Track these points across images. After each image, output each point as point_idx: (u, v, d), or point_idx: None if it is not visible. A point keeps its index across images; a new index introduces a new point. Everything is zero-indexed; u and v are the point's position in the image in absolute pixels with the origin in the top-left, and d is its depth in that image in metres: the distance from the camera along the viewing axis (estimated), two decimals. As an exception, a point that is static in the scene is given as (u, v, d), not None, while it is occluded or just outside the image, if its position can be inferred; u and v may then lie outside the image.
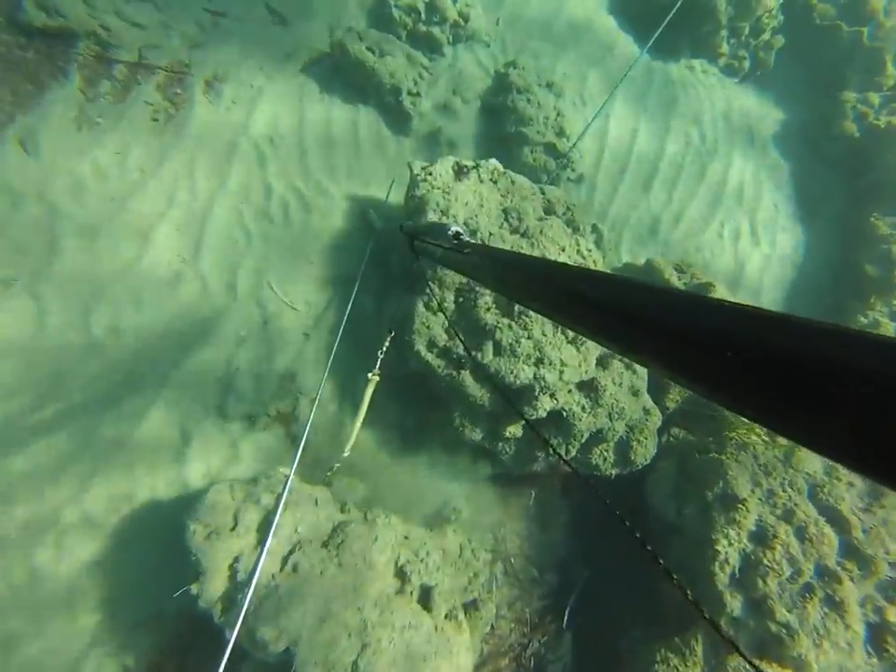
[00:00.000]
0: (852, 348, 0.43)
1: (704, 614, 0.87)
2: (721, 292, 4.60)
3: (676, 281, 4.67)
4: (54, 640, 2.59)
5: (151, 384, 3.25)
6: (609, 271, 4.38)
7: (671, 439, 4.59)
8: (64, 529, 2.80)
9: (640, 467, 3.98)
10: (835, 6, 6.80)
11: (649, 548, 0.92)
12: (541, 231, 3.61)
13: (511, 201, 3.66)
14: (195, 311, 3.51)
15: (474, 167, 3.78)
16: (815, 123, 6.49)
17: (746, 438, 3.89)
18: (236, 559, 2.59)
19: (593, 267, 3.80)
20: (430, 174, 3.66)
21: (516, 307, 3.37)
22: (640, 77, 5.94)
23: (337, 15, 4.69)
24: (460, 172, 3.82)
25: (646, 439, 3.95)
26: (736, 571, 3.19)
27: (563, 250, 3.69)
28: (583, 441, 3.76)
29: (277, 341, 3.60)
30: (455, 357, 3.44)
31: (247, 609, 2.42)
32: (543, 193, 3.89)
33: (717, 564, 3.27)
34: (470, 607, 3.37)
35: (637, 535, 0.93)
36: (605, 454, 3.90)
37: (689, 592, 0.92)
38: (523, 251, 3.48)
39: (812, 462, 3.48)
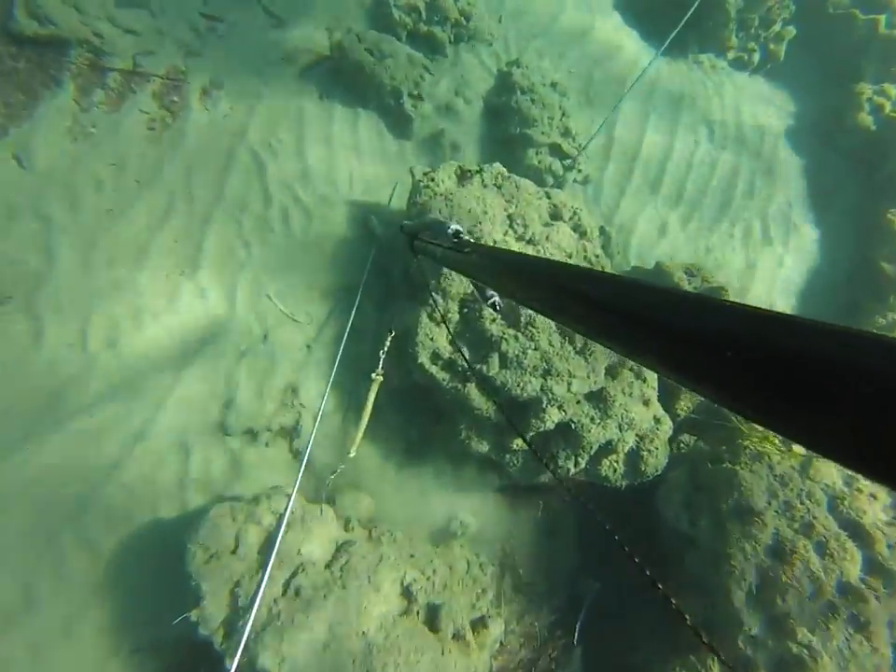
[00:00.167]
0: (853, 348, 0.42)
1: (703, 639, 0.87)
2: (732, 295, 4.47)
3: (686, 284, 4.54)
4: (49, 667, 2.53)
5: (150, 400, 3.17)
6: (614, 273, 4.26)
7: (682, 446, 4.47)
8: (62, 551, 2.74)
9: (651, 477, 3.86)
10: (849, -7, 6.58)
11: (647, 573, 0.92)
12: (547, 238, 3.49)
13: (516, 206, 3.55)
14: (194, 324, 3.43)
15: (477, 172, 3.66)
16: (828, 116, 6.29)
17: (760, 447, 3.77)
18: (237, 584, 2.52)
19: (601, 273, 3.68)
20: (433, 179, 3.56)
21: (522, 318, 3.27)
22: (647, 73, 5.76)
23: (336, 16, 4.57)
24: (463, 177, 3.71)
25: (657, 449, 3.83)
26: (753, 588, 3.08)
27: (570, 257, 3.57)
28: (592, 452, 3.65)
29: (278, 354, 3.52)
30: (459, 369, 3.34)
31: (248, 636, 2.35)
32: (549, 197, 3.77)
33: (733, 579, 3.16)
34: (478, 624, 3.29)
35: (637, 560, 0.93)
36: (615, 465, 3.79)
37: (688, 618, 0.91)
38: (529, 259, 3.37)
39: (831, 473, 3.35)
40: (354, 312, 3.64)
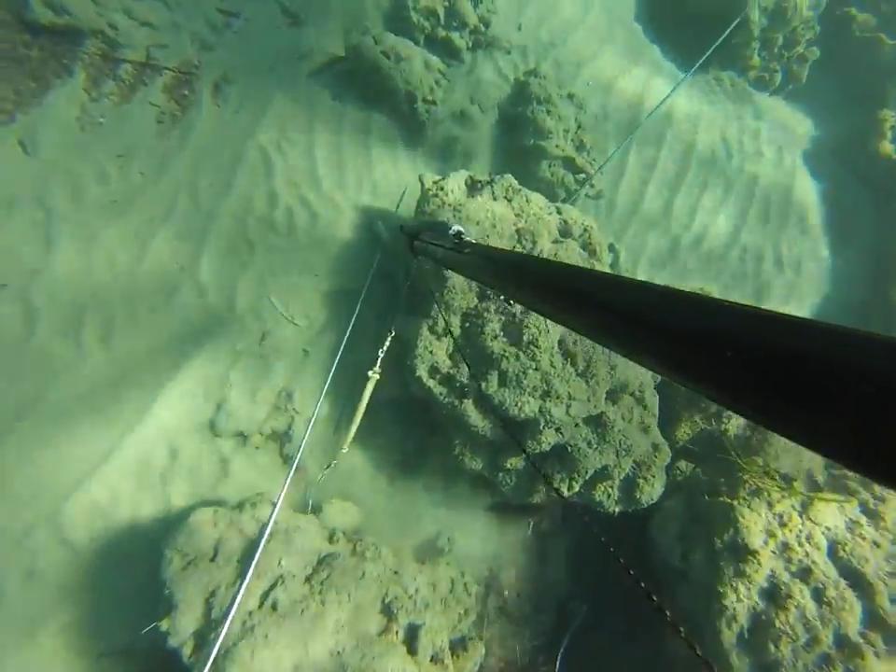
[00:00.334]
0: (853, 348, 0.42)
1: (697, 652, 0.82)
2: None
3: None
4: (6, 668, 2.46)
5: (140, 396, 3.11)
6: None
7: (678, 473, 4.35)
8: (35, 546, 2.68)
9: (646, 505, 3.75)
10: (877, 16, 6.41)
11: (654, 599, 0.89)
12: (556, 255, 3.39)
13: (526, 221, 3.45)
14: (191, 322, 3.36)
15: (488, 182, 3.56)
16: (849, 142, 6.13)
17: (760, 482, 3.64)
18: (213, 593, 2.44)
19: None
20: (442, 188, 3.46)
21: (525, 336, 3.16)
22: (665, 89, 5.64)
23: (353, 17, 4.49)
24: (473, 187, 3.61)
25: (653, 477, 3.71)
26: (745, 631, 2.95)
27: (576, 275, 3.46)
28: (587, 477, 3.54)
29: (274, 356, 3.45)
30: (457, 385, 3.24)
31: (219, 650, 2.27)
32: (559, 213, 3.67)
33: (724, 620, 3.04)
34: (458, 646, 3.19)
35: (643, 584, 0.90)
36: (609, 490, 3.67)
37: (697, 649, 0.85)
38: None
39: (833, 516, 3.22)
40: (354, 318, 3.56)
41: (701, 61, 4.17)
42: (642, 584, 0.88)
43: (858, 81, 6.41)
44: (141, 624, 2.53)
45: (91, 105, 3.47)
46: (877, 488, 3.29)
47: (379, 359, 3.31)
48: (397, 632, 2.87)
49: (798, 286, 5.40)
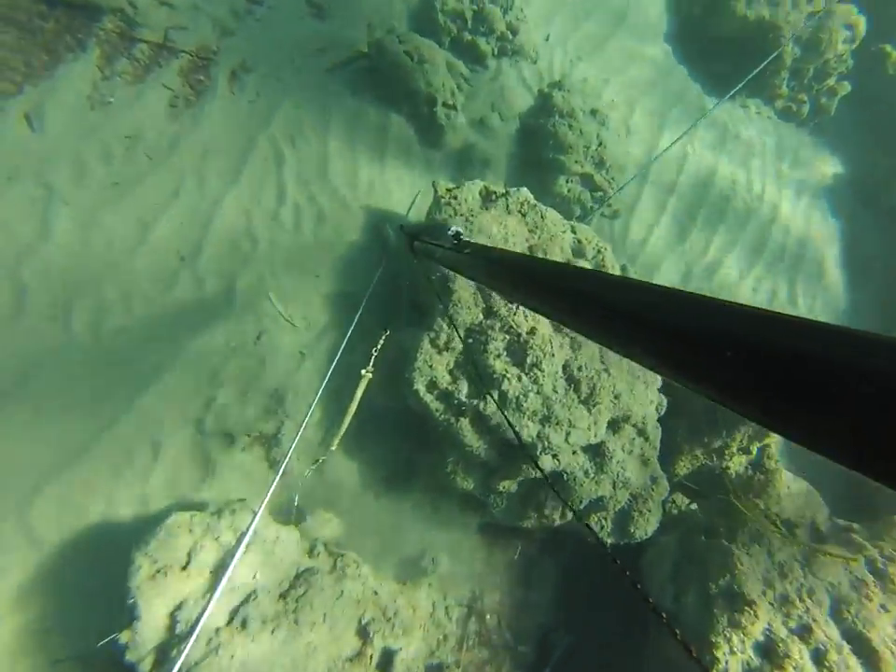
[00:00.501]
0: (853, 348, 0.42)
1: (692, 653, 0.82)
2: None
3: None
4: None
5: (126, 388, 2.97)
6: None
7: (674, 506, 4.19)
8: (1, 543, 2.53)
9: (639, 540, 3.59)
10: (911, 57, 6.24)
11: (663, 616, 0.87)
12: (566, 275, 3.23)
13: (539, 237, 3.30)
14: (186, 314, 3.22)
15: (503, 195, 3.42)
16: (874, 181, 5.96)
17: (761, 527, 3.47)
18: (179, 606, 2.29)
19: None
20: (455, 197, 3.32)
21: (528, 358, 3.01)
22: (691, 111, 5.49)
23: (379, 13, 4.36)
24: (487, 198, 3.46)
25: (649, 511, 3.56)
26: (736, 686, 2.79)
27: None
28: (582, 507, 3.38)
29: (269, 357, 3.30)
30: (455, 402, 3.09)
31: (179, 670, 2.12)
32: (574, 232, 3.51)
33: None
34: (435, 674, 3.03)
35: (664, 616, 0.87)
36: (603, 522, 3.52)
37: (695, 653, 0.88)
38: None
39: (836, 571, 3.05)
40: (354, 324, 3.41)
41: (734, 91, 4.01)
42: (649, 600, 0.86)
43: (887, 120, 6.25)
44: (105, 630, 2.38)
45: (103, 84, 3.34)
46: (886, 546, 3.13)
47: (373, 358, 3.24)
48: (371, 656, 2.72)
49: (811, 323, 5.22)
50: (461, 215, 3.21)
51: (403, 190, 4.01)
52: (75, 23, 3.34)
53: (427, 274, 2.88)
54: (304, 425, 3.12)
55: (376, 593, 2.92)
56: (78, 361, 2.89)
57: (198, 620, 2.26)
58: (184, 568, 2.41)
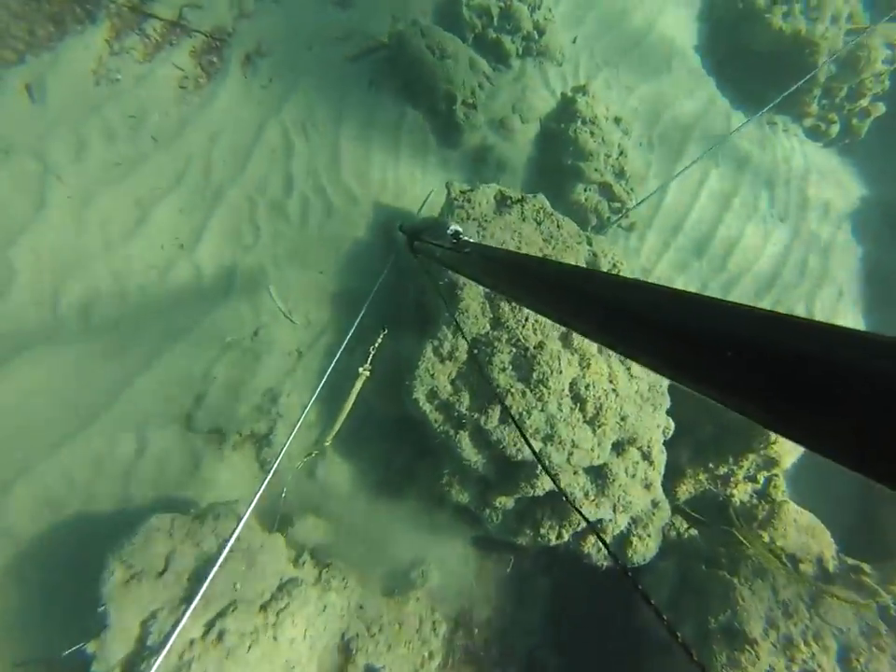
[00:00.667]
0: (855, 349, 0.41)
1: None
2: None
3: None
4: None
5: (113, 378, 2.81)
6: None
7: (674, 529, 4.01)
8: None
9: (637, 565, 3.42)
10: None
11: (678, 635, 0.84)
12: (580, 289, 3.04)
13: (553, 248, 3.11)
14: (181, 304, 3.06)
15: (519, 200, 3.23)
16: (900, 208, 5.71)
17: (765, 562, 3.29)
18: (153, 615, 2.14)
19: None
20: (469, 200, 3.13)
21: (535, 374, 2.83)
22: (718, 126, 5.26)
23: (404, 5, 4.16)
24: (502, 203, 3.27)
25: (648, 536, 3.38)
26: (731, 731, 2.62)
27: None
28: (579, 528, 3.21)
29: (266, 354, 3.14)
30: (455, 414, 2.92)
31: (149, 687, 1.96)
32: (590, 244, 3.32)
33: (708, 713, 2.70)
34: (417, 694, 2.88)
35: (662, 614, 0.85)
36: (600, 543, 3.34)
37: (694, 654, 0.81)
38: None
39: (846, 615, 2.87)
40: (356, 325, 3.24)
41: (767, 108, 3.79)
42: (651, 601, 0.83)
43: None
44: (74, 633, 2.23)
45: (110, 59, 3.17)
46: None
47: (370, 357, 3.11)
48: (351, 675, 2.57)
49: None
50: (474, 219, 3.02)
51: (416, 188, 3.82)
52: (85, -6, 3.16)
53: (434, 280, 2.70)
54: (298, 426, 2.96)
55: (361, 607, 2.77)
56: (64, 348, 2.73)
57: (172, 631, 2.10)
58: (160, 575, 2.26)
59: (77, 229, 2.91)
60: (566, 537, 3.29)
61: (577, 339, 3.05)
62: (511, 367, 2.87)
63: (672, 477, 3.84)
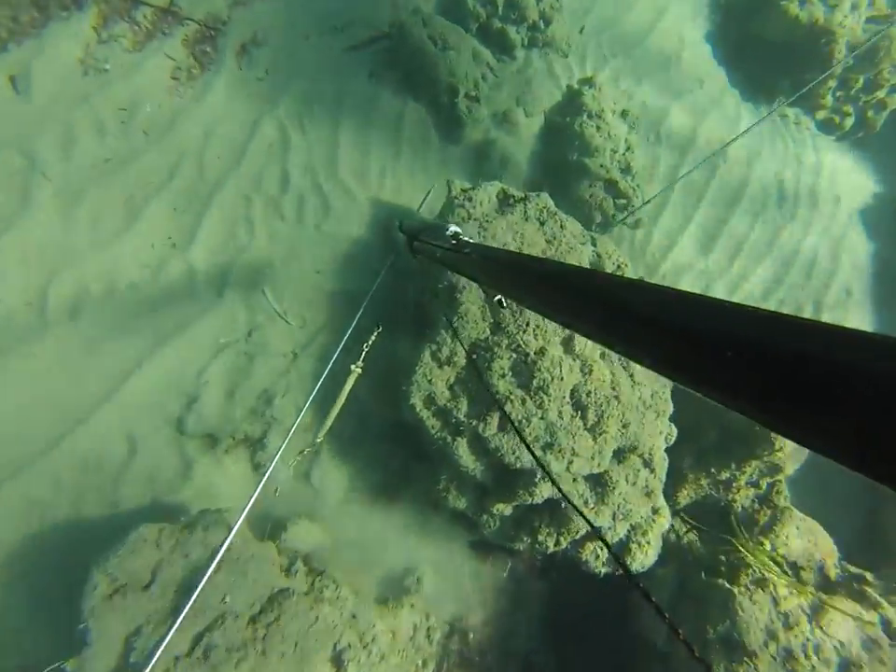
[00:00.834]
0: (857, 349, 0.41)
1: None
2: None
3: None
4: None
5: (103, 380, 2.69)
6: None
7: (673, 532, 3.88)
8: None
9: (636, 573, 3.30)
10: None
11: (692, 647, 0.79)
12: (583, 292, 2.87)
13: (556, 249, 2.93)
14: (174, 304, 2.92)
15: (522, 199, 3.04)
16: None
17: (766, 570, 3.16)
18: (137, 630, 2.04)
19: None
20: (470, 199, 2.95)
21: (535, 380, 2.68)
22: (728, 120, 5.00)
23: (404, -8, 3.91)
24: (505, 202, 3.09)
25: (648, 543, 3.26)
26: (729, 747, 2.52)
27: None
28: (577, 537, 3.09)
29: (260, 356, 3.01)
30: (453, 420, 2.78)
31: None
32: (594, 245, 3.14)
33: (706, 726, 2.60)
34: (411, 701, 2.81)
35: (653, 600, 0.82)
36: (598, 551, 3.23)
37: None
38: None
39: (847, 630, 2.75)
40: (353, 326, 3.09)
41: (783, 103, 3.55)
42: (652, 599, 0.81)
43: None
44: (61, 639, 2.14)
45: (98, 48, 2.99)
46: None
47: (363, 353, 3.00)
48: (343, 685, 2.48)
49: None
50: (475, 219, 2.85)
51: (416, 185, 3.64)
52: (71, -21, 2.97)
53: (433, 284, 2.55)
54: (293, 429, 2.83)
55: (354, 616, 2.67)
56: (52, 349, 2.61)
57: (157, 646, 2.00)
58: (146, 587, 2.16)
59: (65, 226, 2.77)
60: (564, 544, 3.18)
61: (579, 344, 2.90)
62: (510, 373, 2.73)
63: (673, 481, 3.70)
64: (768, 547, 3.37)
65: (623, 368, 3.08)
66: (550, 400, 2.70)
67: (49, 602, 2.30)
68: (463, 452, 2.82)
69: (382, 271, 3.24)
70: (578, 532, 3.06)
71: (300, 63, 3.58)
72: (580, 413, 2.83)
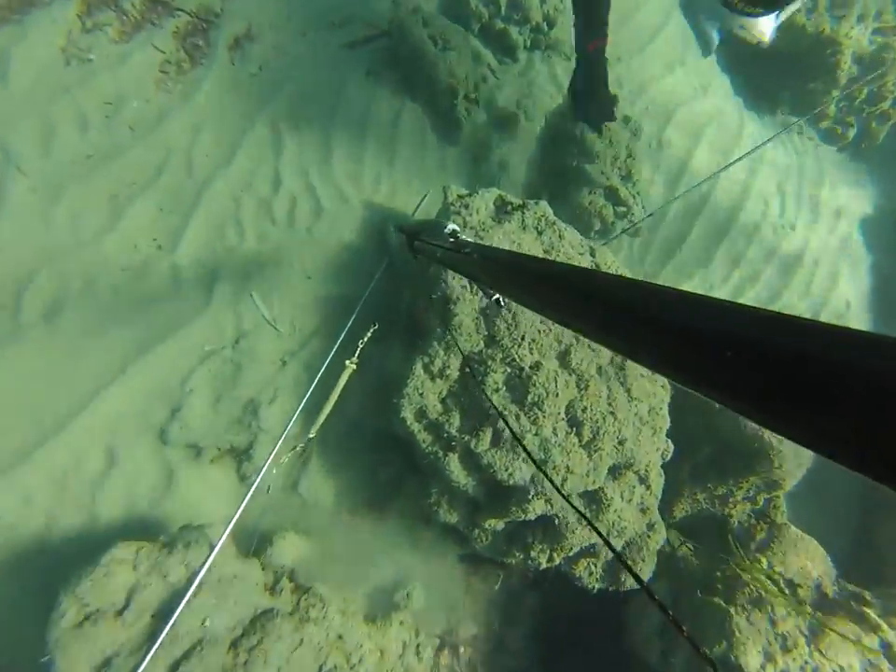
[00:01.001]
0: (855, 349, 0.40)
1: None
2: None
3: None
4: None
5: (81, 387, 2.53)
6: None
7: (668, 548, 3.77)
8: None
9: (630, 589, 3.19)
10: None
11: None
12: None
13: (554, 259, 2.79)
14: (158, 309, 2.77)
15: (520, 207, 2.90)
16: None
17: (763, 588, 3.06)
18: (107, 662, 1.90)
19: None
20: (467, 206, 2.81)
21: (529, 396, 2.55)
22: (731, 128, 4.87)
23: (405, -12, 3.74)
24: (502, 209, 2.95)
25: (643, 560, 3.15)
26: None
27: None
28: (571, 553, 2.97)
29: (248, 364, 2.86)
30: (445, 435, 2.65)
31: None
32: (592, 255, 3.01)
33: (699, 753, 2.50)
34: (397, 722, 2.69)
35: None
36: (592, 567, 3.12)
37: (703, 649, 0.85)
38: (553, 331, 2.63)
39: (847, 653, 2.65)
40: (344, 333, 2.95)
41: (796, 122, 3.42)
42: (655, 597, 0.73)
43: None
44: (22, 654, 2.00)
45: (82, 37, 2.81)
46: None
47: (358, 350, 2.89)
48: (327, 709, 2.36)
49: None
50: (471, 227, 2.71)
51: (411, 189, 3.49)
52: (54, -35, 2.79)
53: (426, 294, 2.41)
54: (282, 439, 2.69)
55: (341, 637, 2.54)
56: (25, 355, 2.45)
57: (127, 676, 1.86)
58: (119, 613, 2.01)
59: (43, 226, 2.61)
60: (557, 560, 3.06)
61: (575, 359, 2.77)
62: (504, 387, 2.59)
63: (669, 495, 3.59)
64: (765, 564, 3.27)
65: (620, 383, 2.96)
66: (544, 416, 2.57)
67: (15, 631, 2.16)
68: (455, 467, 2.69)
69: (375, 275, 3.10)
70: (571, 549, 2.94)
71: (295, 59, 3.42)
72: (575, 429, 2.70)
